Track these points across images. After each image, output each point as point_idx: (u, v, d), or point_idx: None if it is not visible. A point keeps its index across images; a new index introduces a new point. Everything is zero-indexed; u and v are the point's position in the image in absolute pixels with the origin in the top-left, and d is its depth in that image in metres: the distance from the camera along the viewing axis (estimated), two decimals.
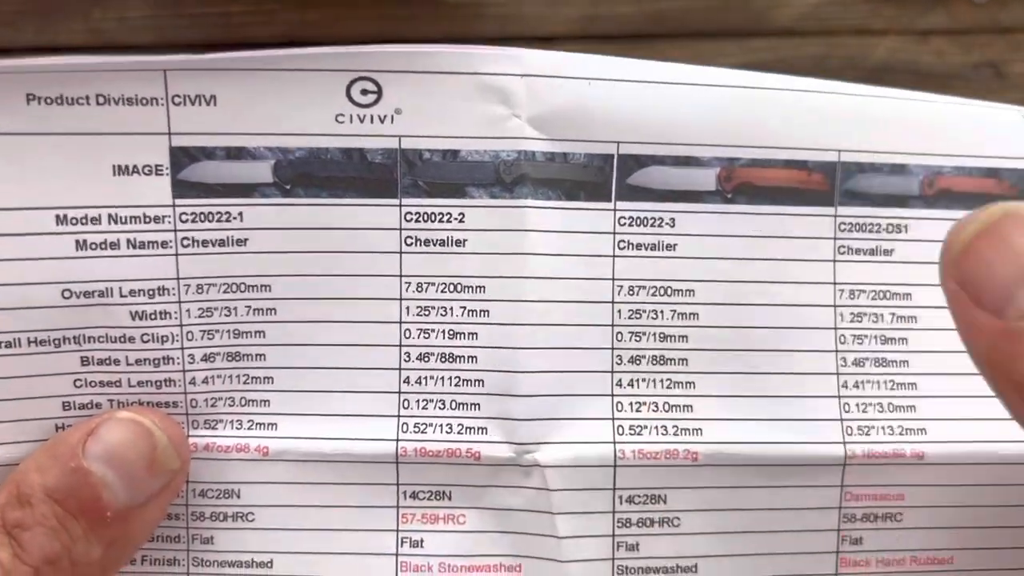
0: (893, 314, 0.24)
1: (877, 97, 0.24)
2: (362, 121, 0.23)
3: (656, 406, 0.24)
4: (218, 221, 0.23)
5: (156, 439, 0.22)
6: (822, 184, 0.24)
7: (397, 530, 0.24)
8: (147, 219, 0.22)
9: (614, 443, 0.24)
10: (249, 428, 0.24)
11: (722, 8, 0.25)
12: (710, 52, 0.25)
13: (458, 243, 0.23)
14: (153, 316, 0.23)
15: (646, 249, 0.24)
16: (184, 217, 0.23)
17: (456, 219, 0.23)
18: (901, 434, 0.24)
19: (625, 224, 0.23)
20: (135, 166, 0.22)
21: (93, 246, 0.22)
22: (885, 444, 0.24)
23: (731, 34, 0.25)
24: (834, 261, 0.24)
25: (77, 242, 0.22)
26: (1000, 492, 0.24)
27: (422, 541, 0.24)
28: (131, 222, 0.22)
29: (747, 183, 0.24)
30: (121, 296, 0.23)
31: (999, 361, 0.18)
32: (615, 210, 0.23)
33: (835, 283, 0.24)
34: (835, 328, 0.24)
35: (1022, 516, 0.25)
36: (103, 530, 0.21)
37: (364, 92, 0.22)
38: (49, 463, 0.21)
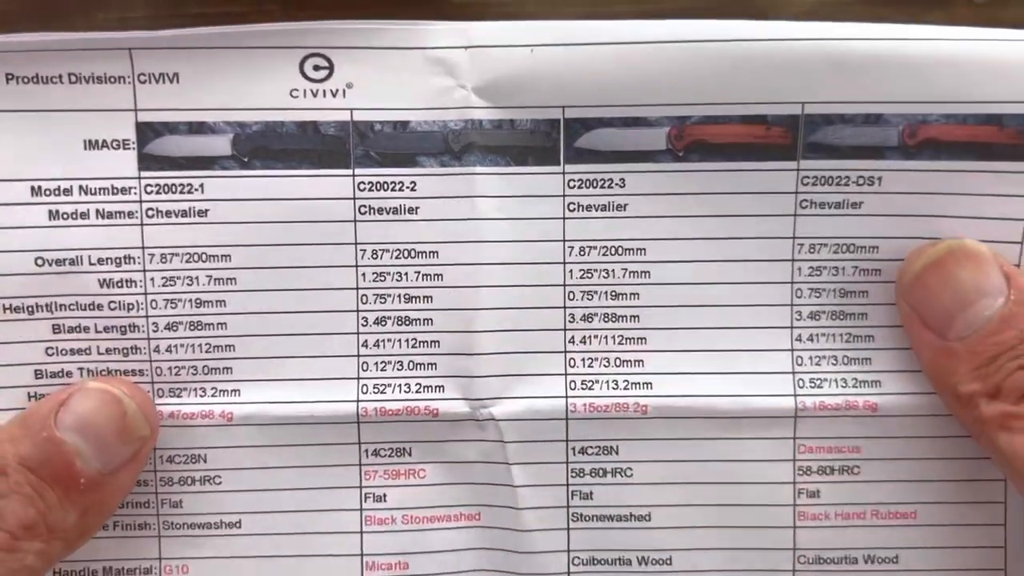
0: (856, 267, 0.24)
1: (847, 40, 0.23)
2: (315, 95, 0.24)
3: (608, 361, 0.25)
4: (180, 192, 0.24)
5: (125, 407, 0.23)
6: (783, 137, 0.24)
7: (360, 487, 0.25)
8: (115, 190, 0.24)
9: (566, 397, 0.25)
10: (213, 395, 0.25)
11: (721, 8, 0.24)
12: None
13: (410, 210, 0.24)
14: (120, 284, 0.24)
15: (596, 210, 0.24)
16: (149, 188, 0.24)
17: (408, 187, 0.24)
18: (854, 386, 0.25)
19: (574, 187, 0.24)
20: (104, 140, 0.24)
21: (65, 215, 0.24)
22: (837, 396, 0.25)
23: None
24: (794, 216, 0.24)
25: (50, 212, 0.24)
26: (961, 444, 0.24)
27: (385, 496, 0.25)
28: (100, 193, 0.24)
29: (699, 140, 0.24)
30: (90, 264, 0.24)
31: (939, 372, 0.23)
32: (564, 173, 0.24)
33: (794, 237, 0.24)
34: (791, 283, 0.25)
35: (984, 469, 0.25)
36: (77, 496, 0.22)
37: (316, 68, 0.24)
38: (21, 433, 0.22)
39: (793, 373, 0.25)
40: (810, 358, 0.25)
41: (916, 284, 0.23)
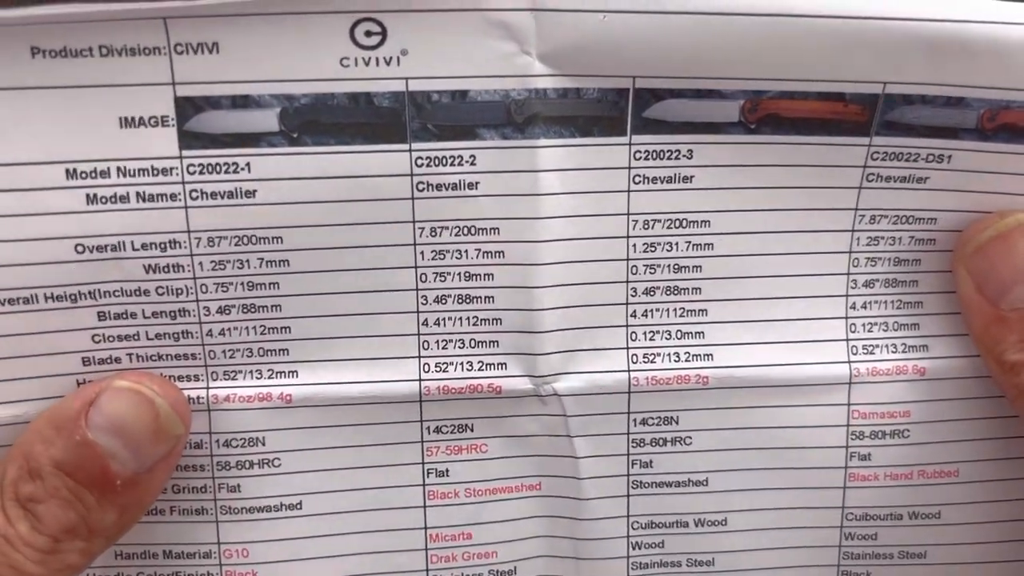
0: (912, 237, 0.24)
1: (936, 21, 0.22)
2: (367, 64, 0.22)
3: (669, 334, 0.25)
4: (226, 172, 0.22)
5: (158, 407, 0.22)
6: (859, 115, 0.23)
7: (423, 463, 0.25)
8: (155, 171, 0.22)
9: (628, 371, 0.24)
10: (270, 377, 0.24)
11: None
12: None
13: (470, 186, 0.23)
14: (166, 269, 0.23)
15: (662, 182, 0.24)
16: (192, 169, 0.22)
17: (468, 162, 0.23)
18: (904, 351, 0.25)
19: (641, 158, 0.23)
20: (141, 118, 0.22)
21: (103, 200, 0.22)
22: (888, 361, 0.25)
23: None
24: (859, 188, 0.24)
25: (87, 196, 0.22)
26: (1000, 404, 0.25)
27: (447, 471, 0.25)
28: (139, 175, 0.22)
29: (774, 115, 0.23)
30: (134, 249, 0.22)
31: (988, 340, 0.24)
32: (630, 144, 0.23)
33: (856, 209, 0.24)
34: (849, 252, 0.24)
35: (1019, 426, 0.25)
36: (114, 497, 0.22)
37: (368, 34, 0.22)
38: (53, 435, 0.22)
39: (847, 340, 0.25)
40: (863, 325, 0.25)
41: (979, 252, 0.24)
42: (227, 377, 0.24)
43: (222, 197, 0.22)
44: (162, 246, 0.23)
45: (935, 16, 0.22)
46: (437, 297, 0.24)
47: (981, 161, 0.23)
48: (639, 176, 0.24)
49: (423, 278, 0.24)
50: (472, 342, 0.24)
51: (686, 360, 0.25)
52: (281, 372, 0.24)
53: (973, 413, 0.25)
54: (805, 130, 0.23)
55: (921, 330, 0.25)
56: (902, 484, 0.26)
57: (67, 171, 0.22)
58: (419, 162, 0.23)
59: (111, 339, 0.23)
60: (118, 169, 0.22)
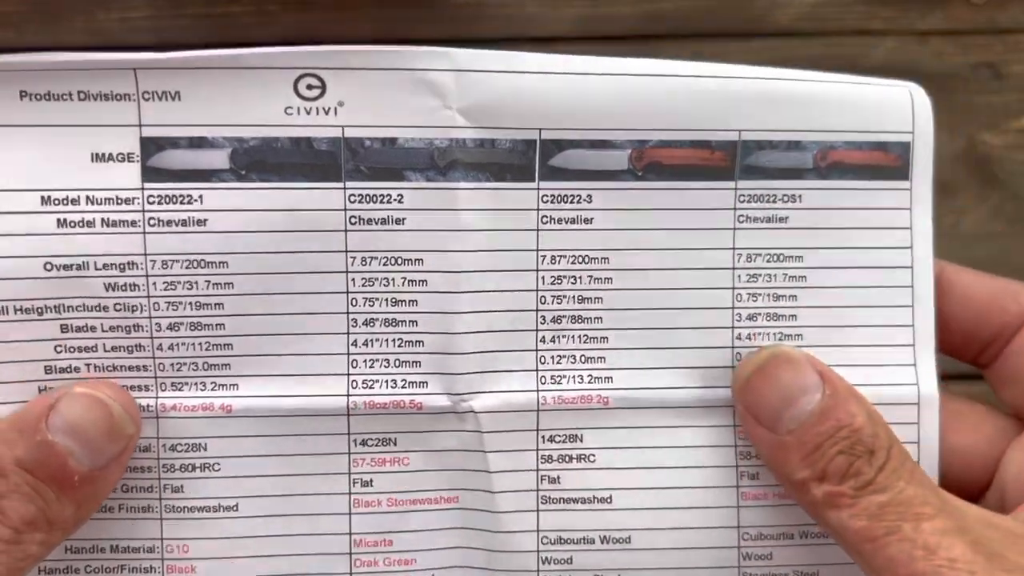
0: (785, 274, 0.28)
1: (774, 79, 0.27)
2: (308, 113, 0.26)
3: (574, 358, 0.27)
4: (181, 203, 0.26)
5: (112, 409, 0.25)
6: (723, 161, 0.27)
7: (349, 473, 0.27)
8: (119, 200, 0.25)
9: (537, 391, 0.27)
10: (212, 389, 0.27)
11: (721, 9, 0.26)
12: (710, 52, 0.27)
13: (398, 221, 0.26)
14: (124, 288, 0.26)
15: (566, 223, 0.27)
16: (151, 199, 0.25)
17: (396, 200, 0.26)
18: None
19: (547, 201, 0.27)
20: (110, 154, 0.25)
21: (72, 224, 0.25)
22: None
23: (731, 35, 0.27)
24: (734, 229, 0.27)
25: (58, 220, 0.25)
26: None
27: (372, 481, 0.27)
28: (106, 203, 0.25)
29: (656, 162, 0.27)
30: (96, 269, 0.25)
31: (776, 464, 0.26)
32: (538, 189, 0.27)
33: (734, 248, 0.27)
34: (732, 288, 0.27)
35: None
36: (72, 492, 0.24)
37: (310, 87, 0.25)
38: (15, 437, 0.24)
39: (733, 368, 0.28)
40: (747, 354, 0.28)
41: (747, 388, 0.26)
42: (174, 388, 0.27)
43: (176, 225, 0.26)
44: (121, 267, 0.26)
45: (774, 76, 0.27)
46: (366, 320, 0.27)
47: (823, 199, 0.27)
48: (546, 217, 0.27)
49: (354, 302, 0.27)
50: (397, 362, 0.27)
51: (589, 382, 0.27)
52: (223, 385, 0.27)
53: None
54: (683, 176, 0.27)
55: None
56: (790, 504, 0.28)
57: (42, 197, 0.25)
58: (352, 199, 0.26)
59: (72, 350, 0.26)
60: (87, 198, 0.25)
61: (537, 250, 0.27)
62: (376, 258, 0.26)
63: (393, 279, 0.27)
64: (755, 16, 0.27)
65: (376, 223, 0.26)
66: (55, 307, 0.26)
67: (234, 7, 0.26)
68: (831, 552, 0.28)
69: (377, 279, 0.27)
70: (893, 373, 0.28)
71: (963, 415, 0.28)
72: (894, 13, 0.27)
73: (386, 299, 0.27)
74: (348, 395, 0.27)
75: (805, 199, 0.27)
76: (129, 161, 0.25)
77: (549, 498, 0.28)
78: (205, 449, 0.27)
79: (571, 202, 0.27)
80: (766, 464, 0.27)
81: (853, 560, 0.25)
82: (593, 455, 0.28)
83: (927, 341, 0.28)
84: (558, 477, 0.28)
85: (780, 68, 0.26)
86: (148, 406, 0.26)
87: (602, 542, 0.28)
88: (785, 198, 0.27)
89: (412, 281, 0.27)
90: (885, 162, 0.28)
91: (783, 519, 0.28)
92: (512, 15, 0.26)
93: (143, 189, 0.25)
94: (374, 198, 0.26)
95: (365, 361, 0.27)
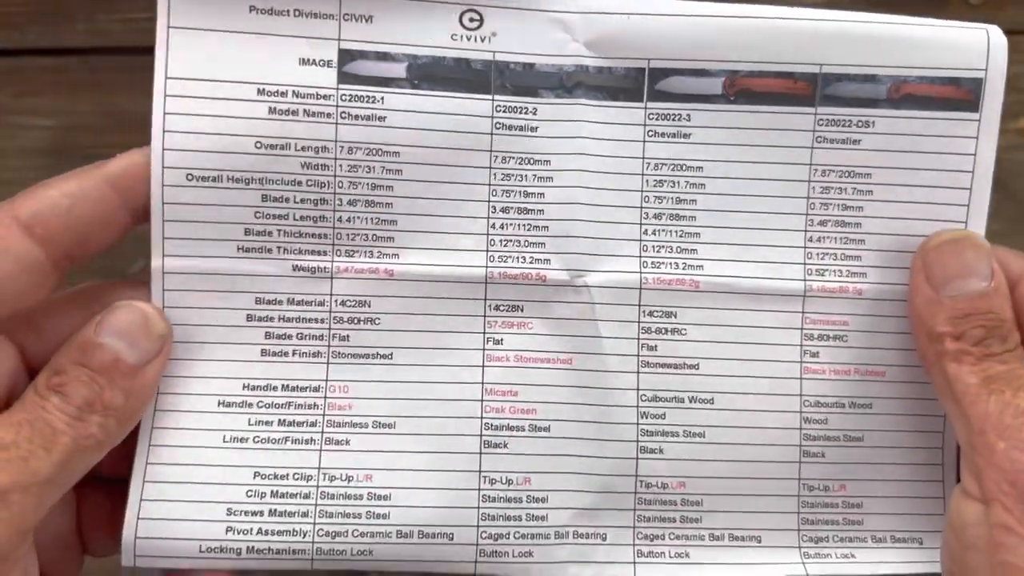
0: (855, 188, 0.33)
1: (855, 21, 0.32)
2: (469, 40, 0.32)
3: (671, 248, 0.33)
4: (367, 102, 0.32)
5: (145, 311, 0.30)
6: (805, 90, 0.33)
7: (484, 332, 0.33)
8: (318, 96, 0.32)
9: (640, 272, 0.33)
10: (378, 257, 0.32)
11: None
12: None
13: (532, 129, 0.33)
14: (316, 167, 0.32)
15: (668, 137, 0.33)
16: (344, 97, 0.32)
17: (531, 112, 0.33)
18: (848, 276, 0.34)
19: (653, 118, 0.33)
20: (314, 59, 0.32)
21: (280, 112, 0.32)
22: (834, 282, 0.34)
23: None
24: (811, 148, 0.33)
25: (269, 108, 0.32)
26: None
27: (502, 340, 0.33)
28: (307, 98, 0.32)
29: (746, 89, 0.33)
30: (295, 150, 0.32)
31: (923, 314, 0.31)
32: (645, 108, 0.33)
33: (811, 164, 0.33)
34: (807, 198, 0.34)
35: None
36: (122, 382, 0.29)
37: (471, 20, 0.32)
38: (70, 347, 0.29)
39: (804, 264, 0.34)
40: (817, 253, 0.34)
41: (935, 250, 0.32)
42: (347, 254, 0.32)
43: (362, 119, 0.32)
44: (316, 149, 0.32)
45: (850, 19, 0.33)
46: (503, 208, 0.33)
47: (894, 125, 0.33)
48: (651, 131, 0.33)
49: (494, 193, 0.33)
50: (526, 242, 0.33)
51: (683, 268, 0.33)
52: (387, 254, 0.32)
53: (896, 328, 0.34)
54: (769, 101, 0.33)
55: (861, 261, 0.34)
56: (843, 379, 0.34)
57: (258, 89, 0.31)
58: (498, 109, 0.33)
59: (268, 216, 0.32)
60: (293, 92, 0.32)
61: (643, 158, 0.33)
62: (513, 157, 0.33)
63: (526, 175, 0.33)
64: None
65: (515, 129, 0.33)
66: (259, 179, 0.32)
67: None
68: (875, 420, 0.34)
69: (513, 175, 0.33)
70: None
71: None
72: (896, 11, 0.33)
73: (519, 191, 0.33)
74: (486, 267, 0.33)
75: (877, 125, 0.33)
76: (328, 66, 0.32)
77: (648, 363, 0.33)
78: (369, 306, 0.32)
79: (672, 120, 0.33)
80: (911, 313, 0.32)
81: (946, 409, 0.31)
82: (684, 329, 0.33)
83: None
84: (655, 346, 0.33)
85: (858, 12, 0.32)
86: (325, 268, 0.32)
87: (690, 401, 0.33)
88: (859, 123, 0.33)
89: (541, 178, 0.33)
90: (956, 95, 0.32)
91: (838, 391, 0.34)
92: None
93: (337, 89, 0.32)
94: (515, 109, 0.33)
95: (501, 241, 0.33)
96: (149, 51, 0.30)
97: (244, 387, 0.32)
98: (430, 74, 0.32)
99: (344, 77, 0.32)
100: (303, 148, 0.32)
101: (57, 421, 0.28)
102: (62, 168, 0.30)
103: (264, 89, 0.32)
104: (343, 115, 0.32)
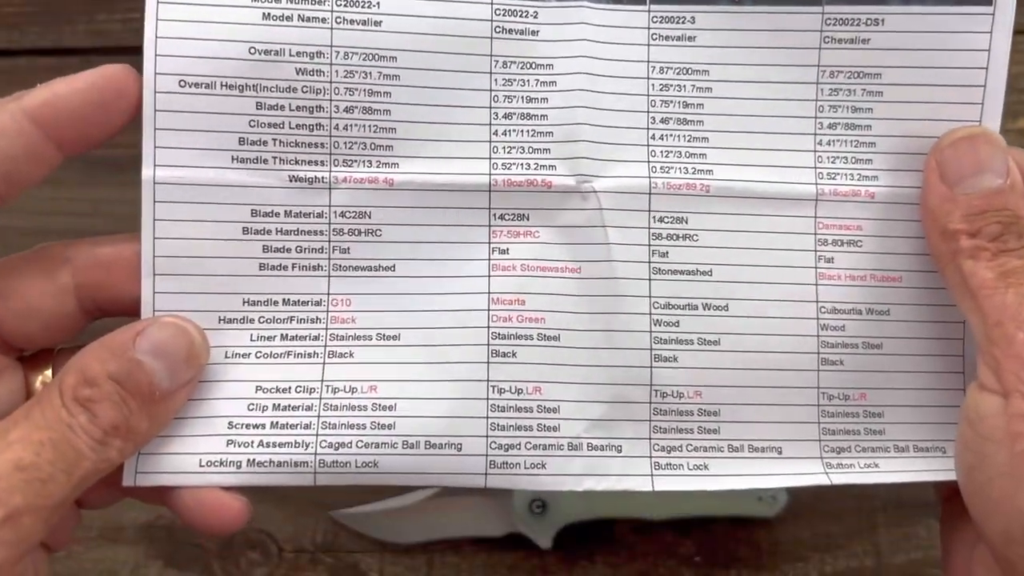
0: (864, 89, 0.33)
1: None
2: None
3: (679, 153, 0.33)
4: (362, 6, 0.31)
5: (192, 338, 0.29)
6: None
7: (489, 242, 0.32)
8: (313, 0, 0.31)
9: (649, 177, 0.32)
10: (377, 166, 0.31)
11: None
12: None
13: (533, 33, 0.32)
14: (311, 73, 0.31)
15: (673, 40, 0.32)
16: (339, 1, 0.31)
17: (532, 15, 0.32)
18: (859, 179, 0.33)
19: (657, 21, 0.32)
20: None
21: (274, 17, 0.31)
22: (846, 186, 0.33)
23: None
24: (819, 48, 0.32)
25: (263, 13, 0.30)
26: None
27: (508, 249, 0.32)
28: (303, 2, 0.31)
29: None
30: (290, 56, 0.31)
31: (936, 212, 0.30)
32: (649, 11, 0.32)
33: (819, 65, 0.32)
34: (816, 100, 0.33)
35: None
36: (150, 407, 0.28)
37: None
38: (107, 355, 0.27)
39: (815, 168, 0.33)
40: (827, 157, 0.33)
41: (949, 147, 0.31)
42: (346, 164, 0.31)
43: (358, 23, 0.31)
44: (311, 55, 0.31)
45: None
46: (505, 114, 0.32)
47: (905, 22, 0.32)
48: (656, 35, 0.32)
49: (495, 99, 0.32)
50: (530, 148, 0.32)
51: (692, 173, 0.32)
52: (386, 163, 0.31)
53: (910, 232, 0.33)
54: (775, 1, 0.32)
55: (873, 165, 0.33)
56: (859, 285, 0.33)
57: None
58: (497, 12, 0.32)
59: (263, 125, 0.31)
60: None
61: (648, 61, 0.32)
62: (515, 62, 0.32)
63: (527, 80, 0.32)
64: None
65: (516, 33, 0.32)
66: (254, 86, 0.31)
67: None
68: (893, 327, 0.33)
69: (515, 80, 0.32)
70: None
71: None
72: None
73: (522, 96, 0.32)
74: (490, 174, 0.32)
75: (887, 22, 0.32)
76: None
77: (659, 269, 0.32)
78: (370, 217, 0.31)
79: (677, 22, 0.32)
80: (924, 212, 0.31)
81: (961, 307, 0.30)
82: (696, 235, 0.32)
83: None
84: (667, 252, 0.32)
85: None
86: (323, 178, 0.31)
87: (704, 308, 0.32)
88: (868, 21, 0.32)
89: (544, 83, 0.32)
90: None
91: (854, 297, 0.33)
92: None
93: None
94: (515, 12, 0.32)
95: (504, 147, 0.32)
96: None
97: (244, 302, 0.31)
98: None
99: None
100: (298, 54, 0.31)
101: (83, 445, 0.26)
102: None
103: None
104: (338, 20, 0.31)
